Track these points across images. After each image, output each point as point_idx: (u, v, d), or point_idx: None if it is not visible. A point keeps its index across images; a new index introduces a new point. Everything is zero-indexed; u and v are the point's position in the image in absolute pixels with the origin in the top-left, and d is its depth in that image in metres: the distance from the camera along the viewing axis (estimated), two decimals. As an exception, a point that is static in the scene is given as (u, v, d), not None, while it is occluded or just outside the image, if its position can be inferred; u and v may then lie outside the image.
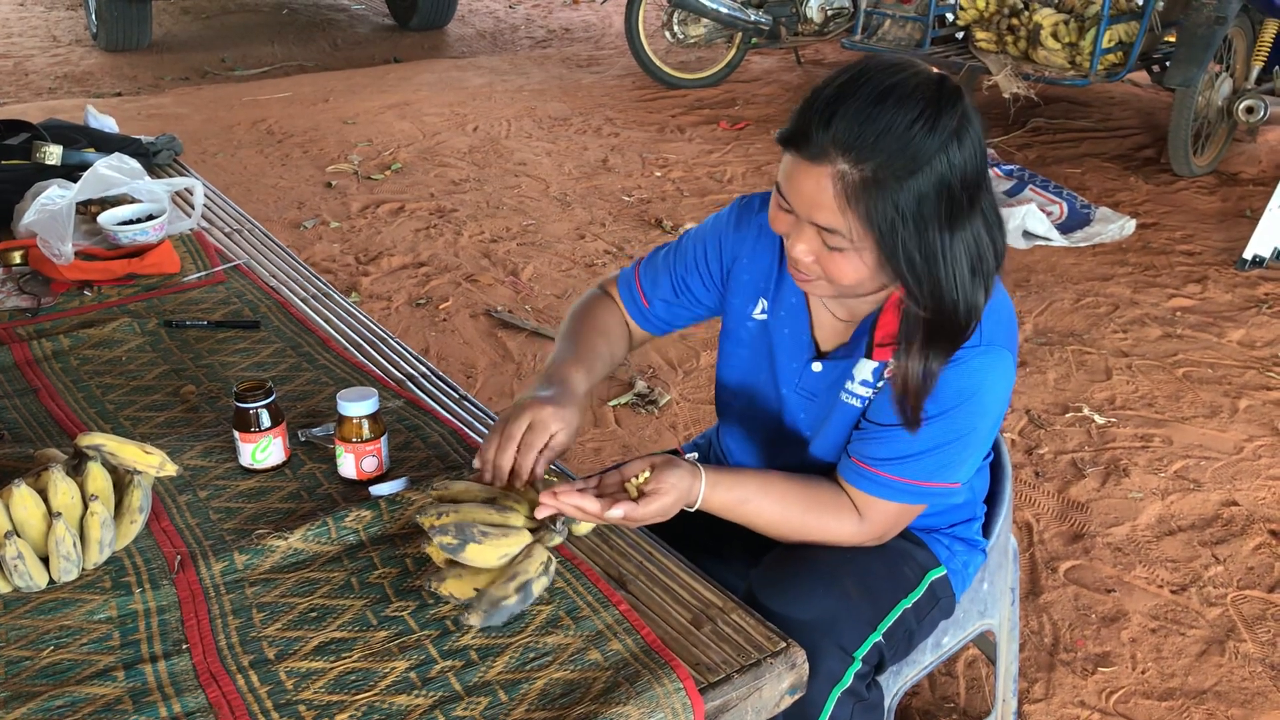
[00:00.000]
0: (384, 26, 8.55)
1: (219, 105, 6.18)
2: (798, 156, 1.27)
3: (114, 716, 1.15)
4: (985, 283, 1.32)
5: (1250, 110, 4.64)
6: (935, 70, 1.29)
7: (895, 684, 1.60)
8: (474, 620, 1.24)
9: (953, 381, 1.35)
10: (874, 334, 1.43)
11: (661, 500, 1.32)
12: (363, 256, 4.18)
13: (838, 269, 1.31)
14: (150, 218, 2.29)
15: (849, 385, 1.46)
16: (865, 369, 1.44)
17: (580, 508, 1.30)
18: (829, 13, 6.38)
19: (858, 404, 1.45)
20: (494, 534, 1.28)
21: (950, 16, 5.31)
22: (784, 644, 1.25)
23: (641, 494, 1.32)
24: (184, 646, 1.26)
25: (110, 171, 2.32)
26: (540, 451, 1.37)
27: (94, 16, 7.44)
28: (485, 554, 1.27)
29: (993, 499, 1.72)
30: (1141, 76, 5.42)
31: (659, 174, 5.12)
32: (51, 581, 1.35)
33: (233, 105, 6.18)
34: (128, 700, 1.18)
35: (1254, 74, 4.89)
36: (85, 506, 1.37)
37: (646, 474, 1.33)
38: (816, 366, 1.50)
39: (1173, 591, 2.38)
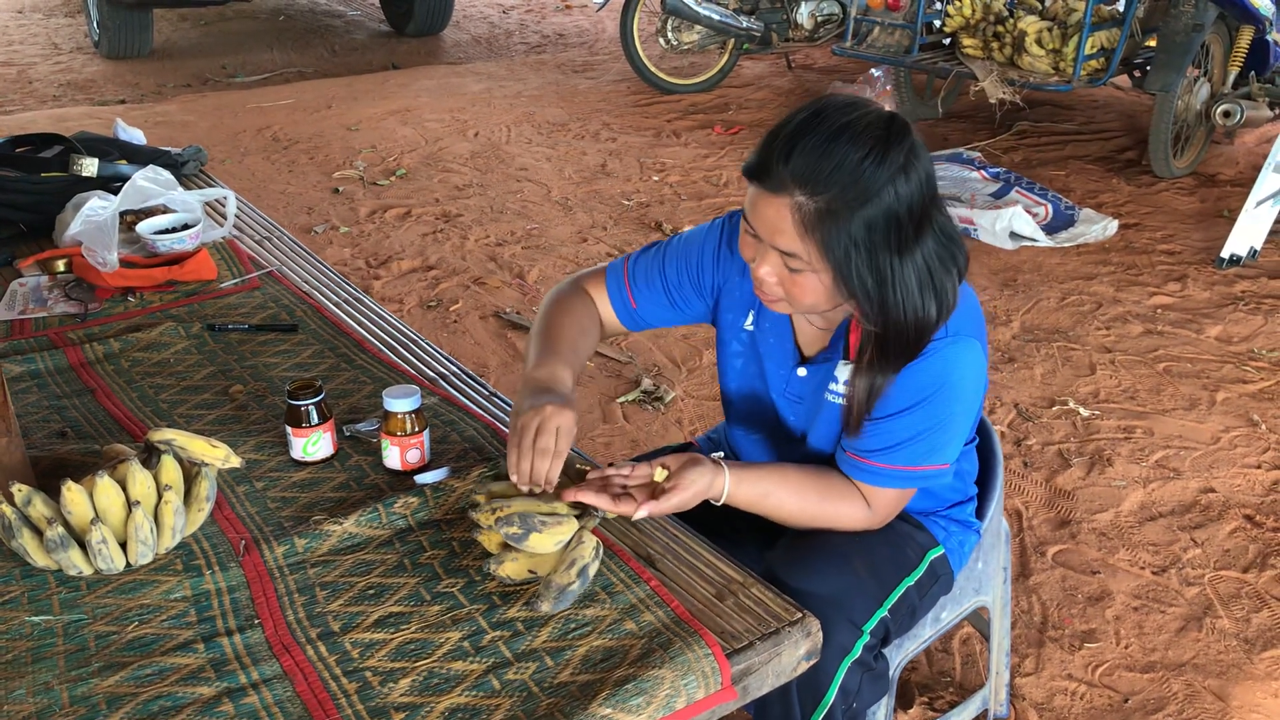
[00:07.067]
0: (380, 32, 8.62)
1: (224, 112, 6.24)
2: (760, 188, 1.41)
3: (199, 683, 1.27)
4: (937, 299, 1.43)
5: (1227, 114, 4.76)
6: (887, 109, 1.43)
7: (897, 656, 1.73)
8: (545, 607, 1.36)
9: (925, 372, 1.47)
10: (849, 337, 1.56)
11: (680, 495, 1.46)
12: (373, 260, 4.28)
13: (799, 289, 1.44)
14: (185, 227, 2.41)
15: (832, 386, 1.58)
16: (844, 370, 1.56)
17: (598, 504, 1.46)
18: (819, 19, 6.48)
19: (841, 402, 1.58)
20: (550, 522, 1.41)
21: (938, 23, 5.37)
22: (800, 614, 1.37)
23: (663, 490, 1.46)
24: (255, 621, 1.38)
25: (148, 183, 2.43)
26: (552, 456, 1.49)
27: (96, 24, 7.49)
28: (544, 541, 1.40)
29: (984, 483, 1.86)
30: (1125, 80, 5.54)
31: (656, 178, 5.22)
32: (128, 564, 1.47)
33: (237, 112, 6.24)
34: (210, 669, 1.29)
35: (1231, 79, 5.01)
36: (159, 496, 1.49)
37: (666, 473, 1.48)
38: (801, 372, 1.63)
39: (1154, 573, 2.52)
